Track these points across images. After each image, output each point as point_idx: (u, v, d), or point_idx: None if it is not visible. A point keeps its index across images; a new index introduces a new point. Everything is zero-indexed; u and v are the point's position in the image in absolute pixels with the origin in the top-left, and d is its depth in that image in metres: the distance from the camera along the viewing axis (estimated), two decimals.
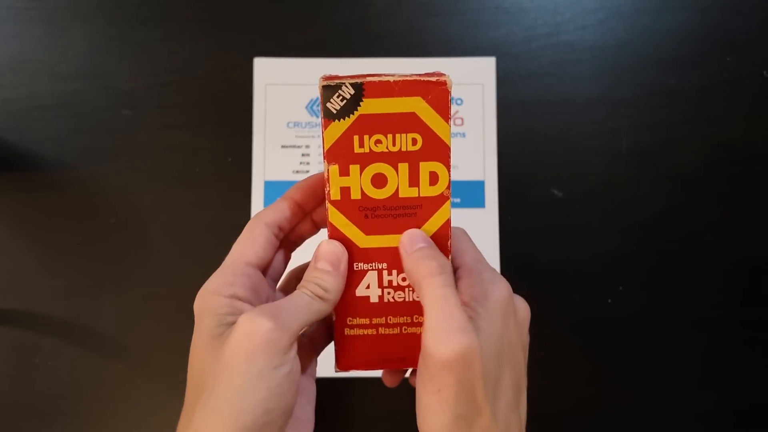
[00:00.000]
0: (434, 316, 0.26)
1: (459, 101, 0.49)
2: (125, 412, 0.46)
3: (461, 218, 0.48)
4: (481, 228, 0.48)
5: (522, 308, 0.29)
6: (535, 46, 0.50)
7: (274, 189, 0.48)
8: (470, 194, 0.48)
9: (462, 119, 0.49)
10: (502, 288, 0.28)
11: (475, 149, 0.49)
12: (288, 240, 0.32)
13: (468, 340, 0.25)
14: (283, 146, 0.49)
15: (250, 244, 0.29)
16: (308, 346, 0.33)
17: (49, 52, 0.50)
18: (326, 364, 0.46)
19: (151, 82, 0.49)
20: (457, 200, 0.48)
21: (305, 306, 0.27)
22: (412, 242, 0.28)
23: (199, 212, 0.48)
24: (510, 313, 0.28)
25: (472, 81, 0.49)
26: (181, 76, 0.49)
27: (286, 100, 0.49)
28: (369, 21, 0.50)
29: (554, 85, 0.49)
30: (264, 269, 0.30)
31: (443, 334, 0.25)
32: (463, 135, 0.49)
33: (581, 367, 0.47)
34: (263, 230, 0.29)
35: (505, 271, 0.47)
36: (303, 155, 0.49)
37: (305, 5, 0.50)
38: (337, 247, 0.29)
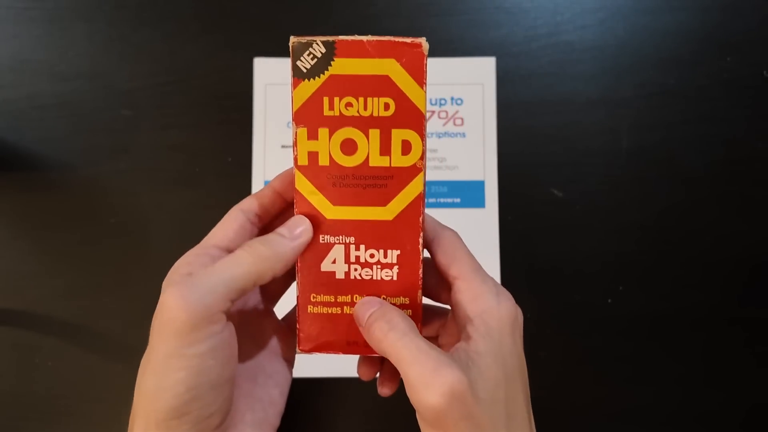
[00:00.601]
0: (406, 371, 0.25)
1: (459, 101, 0.49)
2: (125, 412, 0.46)
3: (461, 218, 0.48)
4: (481, 228, 0.48)
5: (520, 315, 0.29)
6: (535, 46, 0.50)
7: None
8: (470, 194, 0.48)
9: (462, 119, 0.49)
10: (508, 300, 0.27)
11: (475, 149, 0.49)
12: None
13: (449, 377, 0.24)
14: (283, 146, 0.49)
15: (221, 228, 0.29)
16: (284, 329, 0.33)
17: (49, 52, 0.49)
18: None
19: (151, 82, 0.49)
20: (457, 200, 0.48)
21: (231, 269, 0.26)
22: (362, 314, 0.28)
23: (199, 212, 0.48)
24: (517, 327, 0.27)
25: (472, 81, 0.49)
26: (181, 76, 0.49)
27: (286, 100, 0.49)
28: (369, 21, 0.50)
29: (554, 85, 0.49)
30: None
31: (421, 384, 0.24)
32: (463, 135, 0.49)
33: (581, 367, 0.47)
34: (237, 216, 0.29)
35: (505, 271, 0.47)
36: None
37: (305, 5, 0.50)
38: (303, 220, 0.28)
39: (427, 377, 0.24)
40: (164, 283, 0.27)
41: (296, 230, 0.28)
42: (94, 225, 0.48)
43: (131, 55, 0.50)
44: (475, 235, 0.48)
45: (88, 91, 0.49)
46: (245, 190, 0.48)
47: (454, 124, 0.49)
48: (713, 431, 0.46)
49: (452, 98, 0.49)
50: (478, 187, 0.48)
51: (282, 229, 0.28)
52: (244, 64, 0.49)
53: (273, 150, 0.49)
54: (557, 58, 0.50)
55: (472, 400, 0.24)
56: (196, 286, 0.25)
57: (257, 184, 0.48)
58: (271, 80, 0.49)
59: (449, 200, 0.48)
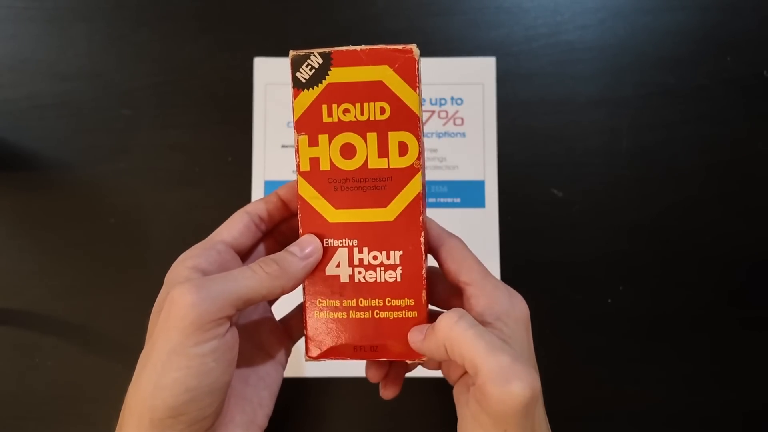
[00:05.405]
0: (485, 360, 0.24)
1: (459, 101, 0.49)
2: None
3: (461, 218, 0.48)
4: (481, 228, 0.48)
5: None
6: (535, 46, 0.50)
7: (274, 189, 0.48)
8: (470, 194, 0.48)
9: (462, 119, 0.49)
10: (521, 302, 0.28)
11: (475, 149, 0.49)
12: (283, 235, 0.32)
13: (536, 380, 0.24)
14: (283, 146, 0.49)
15: (227, 227, 0.30)
16: (281, 331, 0.33)
17: (48, 52, 0.49)
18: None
19: (151, 82, 0.49)
20: (457, 200, 0.48)
21: (244, 280, 0.26)
22: (415, 335, 0.28)
23: (199, 212, 0.48)
24: (529, 327, 0.28)
25: (472, 81, 0.49)
26: (181, 76, 0.49)
27: (286, 100, 0.49)
28: (369, 21, 0.50)
29: (554, 85, 0.49)
30: (240, 252, 0.30)
31: (505, 379, 0.24)
32: (463, 135, 0.49)
33: (580, 367, 0.47)
34: (242, 216, 0.30)
35: (505, 271, 0.47)
36: None
37: (305, 5, 0.50)
38: (313, 239, 0.29)
39: (514, 374, 0.24)
40: (170, 276, 0.27)
41: (306, 250, 0.28)
42: (94, 225, 0.48)
43: (131, 55, 0.50)
44: (475, 235, 0.48)
45: (88, 91, 0.49)
46: (245, 190, 0.48)
47: (454, 124, 0.49)
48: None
49: (452, 98, 0.49)
50: (478, 187, 0.48)
51: (293, 248, 0.28)
52: (244, 64, 0.49)
53: (273, 150, 0.49)
54: (557, 58, 0.50)
55: (540, 402, 0.25)
56: (209, 288, 0.25)
57: (257, 184, 0.48)
58: (271, 80, 0.49)
59: (449, 200, 0.48)
